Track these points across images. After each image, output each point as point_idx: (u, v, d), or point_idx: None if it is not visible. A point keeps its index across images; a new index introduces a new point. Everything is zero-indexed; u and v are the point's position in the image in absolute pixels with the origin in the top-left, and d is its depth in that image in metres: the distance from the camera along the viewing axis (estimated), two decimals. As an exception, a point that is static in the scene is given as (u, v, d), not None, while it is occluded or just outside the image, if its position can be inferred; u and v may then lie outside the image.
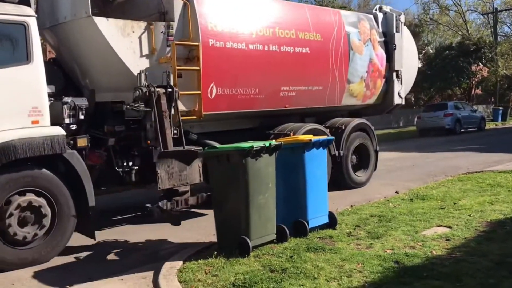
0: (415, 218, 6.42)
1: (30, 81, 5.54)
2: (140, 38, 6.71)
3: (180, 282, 4.58)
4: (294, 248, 5.28)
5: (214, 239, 5.71)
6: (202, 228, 6.67)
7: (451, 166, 11.98)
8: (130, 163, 6.70)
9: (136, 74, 6.66)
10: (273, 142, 5.58)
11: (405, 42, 10.98)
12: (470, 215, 6.45)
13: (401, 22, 10.76)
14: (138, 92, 6.20)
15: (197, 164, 5.99)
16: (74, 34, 6.66)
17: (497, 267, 4.49)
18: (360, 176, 9.81)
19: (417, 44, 17.63)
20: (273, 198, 5.54)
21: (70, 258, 5.81)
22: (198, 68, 7.07)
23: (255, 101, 8.09)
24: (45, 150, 5.48)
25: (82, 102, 6.22)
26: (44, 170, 5.57)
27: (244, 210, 5.19)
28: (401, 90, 10.91)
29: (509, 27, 39.96)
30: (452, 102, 26.23)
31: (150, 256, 5.74)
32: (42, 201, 5.51)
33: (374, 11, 10.75)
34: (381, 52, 10.40)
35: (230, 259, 5.00)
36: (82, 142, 6.08)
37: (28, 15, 5.60)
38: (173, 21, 7.01)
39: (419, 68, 14.81)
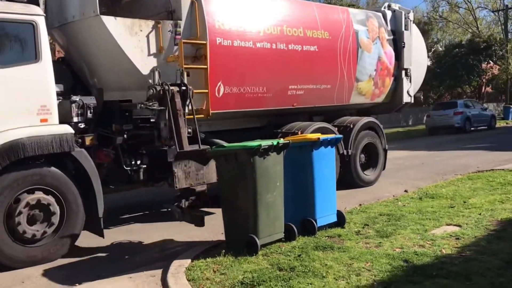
0: (424, 217, 6.38)
1: (39, 79, 5.57)
2: (147, 36, 6.72)
3: (189, 280, 4.58)
4: (303, 247, 5.27)
5: (222, 237, 5.70)
6: (210, 227, 6.66)
7: (461, 164, 11.89)
8: (138, 162, 6.70)
9: (144, 73, 6.68)
10: (281, 140, 5.57)
11: (414, 40, 10.91)
12: (480, 214, 6.39)
13: (410, 20, 10.70)
14: (152, 91, 6.14)
15: (213, 163, 5.96)
16: (82, 33, 6.69)
17: (507, 266, 4.44)
18: (368, 175, 9.76)
19: (426, 42, 17.54)
20: (281, 196, 5.52)
21: (79, 256, 5.83)
22: (205, 66, 7.06)
23: (263, 100, 8.07)
24: (53, 148, 5.51)
25: (90, 100, 6.24)
26: (52, 168, 5.60)
27: (252, 208, 5.18)
28: (410, 88, 10.85)
29: (520, 25, 39.44)
30: (462, 100, 26.06)
31: (159, 255, 5.75)
32: (50, 199, 5.54)
33: (382, 9, 10.70)
34: (390, 50, 10.34)
35: (238, 257, 4.99)
36: (90, 140, 6.10)
37: (36, 14, 5.62)
38: (181, 19, 7.02)
39: (428, 66, 14.74)
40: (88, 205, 5.82)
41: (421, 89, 15.78)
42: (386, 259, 4.76)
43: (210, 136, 7.50)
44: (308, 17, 8.76)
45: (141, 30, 6.67)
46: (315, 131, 8.26)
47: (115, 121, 6.47)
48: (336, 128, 9.13)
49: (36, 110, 5.52)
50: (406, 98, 10.82)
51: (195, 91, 6.94)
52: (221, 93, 7.39)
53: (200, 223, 5.75)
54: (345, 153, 9.09)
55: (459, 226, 5.91)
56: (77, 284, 4.83)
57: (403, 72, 10.59)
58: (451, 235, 5.51)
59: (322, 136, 6.07)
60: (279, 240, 5.49)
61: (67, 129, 5.71)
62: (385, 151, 10.15)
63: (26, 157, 5.37)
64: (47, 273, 5.24)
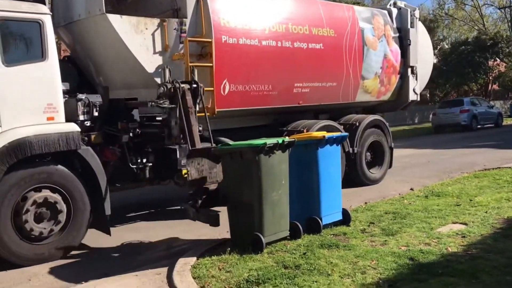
0: (430, 215, 6.36)
1: (45, 78, 5.59)
2: (153, 35, 6.74)
3: (194, 278, 4.60)
4: (308, 245, 5.27)
5: (227, 235, 5.72)
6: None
7: (467, 162, 11.84)
8: (144, 160, 6.72)
9: (149, 71, 6.70)
10: (287, 139, 5.57)
11: (420, 38, 10.86)
12: (486, 212, 6.37)
13: (416, 17, 10.65)
14: (162, 89, 6.11)
15: None
16: (88, 31, 6.71)
17: (514, 265, 4.42)
18: (374, 173, 9.74)
19: (432, 39, 17.47)
20: (287, 194, 5.52)
21: (85, 254, 5.87)
22: (211, 64, 7.07)
23: (268, 98, 8.07)
24: (60, 146, 5.54)
25: (96, 99, 6.26)
26: (59, 166, 5.62)
27: (258, 206, 5.19)
28: (416, 86, 10.80)
29: (526, 22, 39.17)
30: (468, 98, 25.95)
31: (164, 253, 5.77)
32: (57, 197, 5.57)
33: (388, 6, 10.64)
34: (396, 47, 10.30)
35: (244, 255, 5.00)
36: (96, 138, 6.12)
37: (43, 13, 5.64)
38: (186, 17, 7.03)
39: (434, 64, 14.68)
40: (94, 203, 5.84)
41: (427, 87, 15.69)
42: (391, 257, 4.75)
43: (215, 134, 7.50)
44: (314, 14, 8.74)
45: (146, 28, 6.68)
46: (321, 129, 8.25)
47: (121, 119, 6.49)
48: (342, 126, 9.11)
49: (42, 108, 5.55)
50: (412, 96, 10.78)
51: (200, 89, 6.96)
52: (226, 91, 7.40)
53: (215, 222, 5.60)
54: (350, 151, 9.07)
55: (465, 224, 5.89)
56: (83, 282, 4.85)
57: (409, 69, 10.55)
58: (457, 233, 5.49)
59: (327, 134, 6.07)
60: (285, 238, 5.49)
61: (74, 127, 5.74)
62: (391, 149, 10.11)
63: (33, 155, 5.40)
64: (53, 271, 5.27)
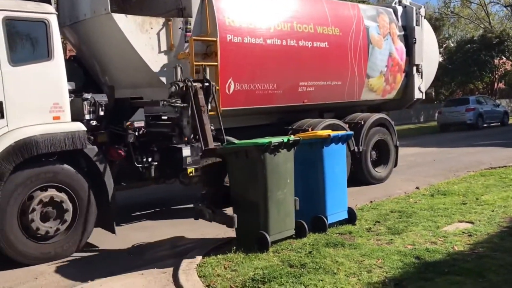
0: (436, 214, 6.34)
1: (51, 77, 5.61)
2: (158, 34, 6.75)
3: (200, 276, 4.60)
4: (313, 244, 5.26)
5: (233, 234, 5.72)
6: (221, 224, 6.67)
7: (473, 161, 11.80)
8: (150, 159, 6.73)
9: (154, 70, 6.71)
10: (292, 137, 5.55)
11: (425, 36, 10.82)
12: (493, 211, 6.34)
13: (421, 16, 10.61)
14: (174, 87, 6.07)
15: None
16: (93, 31, 6.73)
17: (521, 263, 4.40)
18: (379, 171, 9.72)
19: (438, 38, 17.39)
20: (292, 193, 5.52)
21: (91, 253, 5.89)
22: (216, 63, 7.08)
23: (273, 97, 8.07)
24: (66, 146, 5.55)
25: (102, 98, 6.27)
26: (65, 165, 5.64)
27: (263, 205, 5.19)
28: (422, 84, 10.77)
29: (533, 20, 38.98)
30: (474, 97, 25.82)
31: (170, 251, 5.78)
32: (63, 196, 5.58)
33: (393, 4, 10.61)
34: (401, 46, 10.27)
35: (249, 254, 5.00)
36: (102, 138, 6.13)
37: (49, 13, 5.66)
38: (191, 16, 7.03)
39: (440, 62, 14.62)
40: (100, 202, 5.86)
41: (432, 85, 15.65)
42: (397, 256, 4.74)
43: (220, 133, 7.51)
44: (318, 13, 8.73)
45: (151, 28, 6.69)
46: (326, 127, 8.24)
47: (126, 119, 6.50)
48: (347, 125, 9.10)
49: (49, 107, 5.57)
50: (418, 95, 10.75)
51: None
52: (231, 90, 7.40)
53: (231, 224, 5.37)
54: (356, 149, 9.06)
55: (472, 223, 5.87)
56: (89, 280, 4.87)
57: (414, 68, 10.52)
58: (463, 232, 5.47)
59: (332, 133, 6.06)
60: (290, 237, 5.49)
61: (80, 126, 5.76)
62: (396, 147, 10.09)
63: (39, 155, 5.42)
64: (60, 270, 5.29)
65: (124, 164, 6.50)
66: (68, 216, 5.61)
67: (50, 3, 5.92)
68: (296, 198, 5.58)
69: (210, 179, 5.65)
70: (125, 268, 5.14)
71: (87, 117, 6.05)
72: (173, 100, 6.05)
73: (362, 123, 9.31)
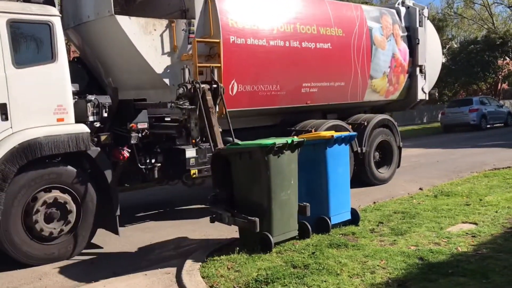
0: (439, 215, 6.33)
1: (55, 79, 5.63)
2: (161, 36, 6.77)
3: (203, 277, 4.61)
4: (317, 244, 5.26)
5: (236, 235, 5.73)
6: (224, 225, 6.68)
7: (476, 162, 11.77)
8: (153, 160, 6.75)
9: (158, 71, 6.73)
10: (296, 138, 5.56)
11: (429, 37, 10.80)
12: (496, 212, 6.32)
13: (425, 16, 10.60)
14: (182, 89, 6.05)
15: None
16: (97, 33, 6.75)
17: (525, 264, 4.39)
18: (383, 172, 9.71)
19: (441, 38, 17.38)
20: (295, 194, 5.52)
21: (95, 254, 5.90)
22: (219, 65, 7.08)
23: (277, 98, 8.07)
24: (70, 147, 5.58)
25: (106, 100, 6.29)
26: (69, 167, 5.66)
27: (267, 206, 5.19)
28: (425, 85, 10.75)
29: (536, 20, 38.82)
30: (478, 97, 25.73)
31: (173, 252, 5.80)
32: (67, 197, 5.61)
33: (396, 5, 10.59)
34: (404, 47, 10.26)
35: (253, 255, 5.01)
36: (105, 139, 6.16)
37: (52, 15, 5.68)
38: (194, 18, 7.05)
39: (443, 63, 14.59)
40: (103, 203, 5.88)
41: (436, 86, 15.58)
42: (401, 257, 4.74)
43: (223, 134, 7.51)
44: (322, 14, 8.73)
45: (155, 29, 6.71)
46: (329, 128, 8.25)
47: (130, 120, 6.52)
48: (350, 126, 9.10)
49: (52, 109, 5.59)
50: (421, 95, 10.73)
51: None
52: (234, 91, 7.41)
53: (254, 227, 5.10)
54: (359, 150, 9.06)
55: (475, 224, 5.85)
56: (93, 281, 4.89)
57: (418, 69, 10.50)
58: (467, 233, 5.46)
59: (336, 134, 6.06)
60: (293, 238, 5.49)
61: (83, 128, 5.78)
62: (400, 148, 10.08)
63: (43, 156, 5.44)
64: (64, 270, 5.32)
65: (127, 166, 6.52)
66: (72, 217, 5.64)
67: (54, 5, 5.95)
68: (307, 204, 5.58)
69: (220, 179, 5.63)
70: (128, 269, 5.16)
71: (90, 118, 6.07)
72: (181, 102, 6.04)
73: (365, 124, 9.30)
